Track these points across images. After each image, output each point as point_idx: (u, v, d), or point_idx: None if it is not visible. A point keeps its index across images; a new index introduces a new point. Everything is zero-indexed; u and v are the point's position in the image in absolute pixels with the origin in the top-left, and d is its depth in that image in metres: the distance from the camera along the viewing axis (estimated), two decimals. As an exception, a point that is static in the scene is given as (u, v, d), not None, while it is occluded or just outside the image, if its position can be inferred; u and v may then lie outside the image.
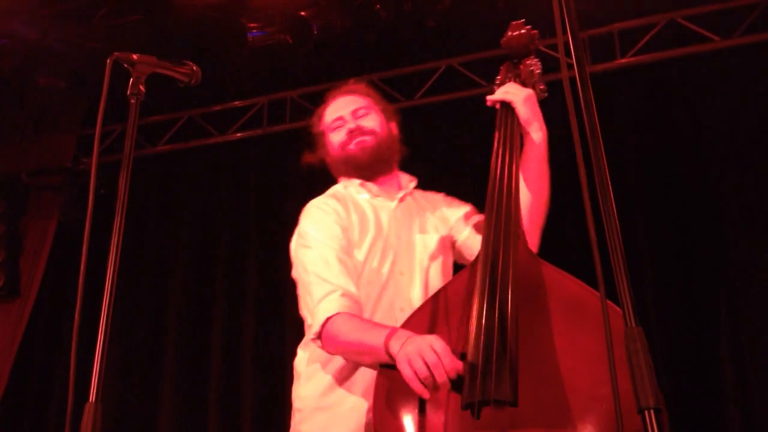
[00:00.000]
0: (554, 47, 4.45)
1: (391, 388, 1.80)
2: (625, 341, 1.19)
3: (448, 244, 2.38)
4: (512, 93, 2.20)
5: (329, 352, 2.11)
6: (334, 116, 2.42)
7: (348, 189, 2.38)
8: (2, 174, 5.40)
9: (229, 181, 5.30)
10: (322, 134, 2.47)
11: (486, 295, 1.76)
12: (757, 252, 4.01)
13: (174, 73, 1.97)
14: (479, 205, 2.34)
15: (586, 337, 1.68)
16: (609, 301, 1.67)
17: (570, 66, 1.36)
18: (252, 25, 4.81)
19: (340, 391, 2.15)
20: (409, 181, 2.47)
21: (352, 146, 2.35)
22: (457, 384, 1.68)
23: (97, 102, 1.74)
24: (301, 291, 2.20)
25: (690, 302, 4.03)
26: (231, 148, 5.36)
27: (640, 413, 1.17)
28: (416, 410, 1.73)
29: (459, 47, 4.87)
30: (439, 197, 2.52)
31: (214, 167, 5.35)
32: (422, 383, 1.68)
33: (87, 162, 5.36)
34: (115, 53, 1.70)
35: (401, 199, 2.39)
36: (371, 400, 1.88)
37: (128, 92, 1.73)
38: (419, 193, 2.49)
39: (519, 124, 2.18)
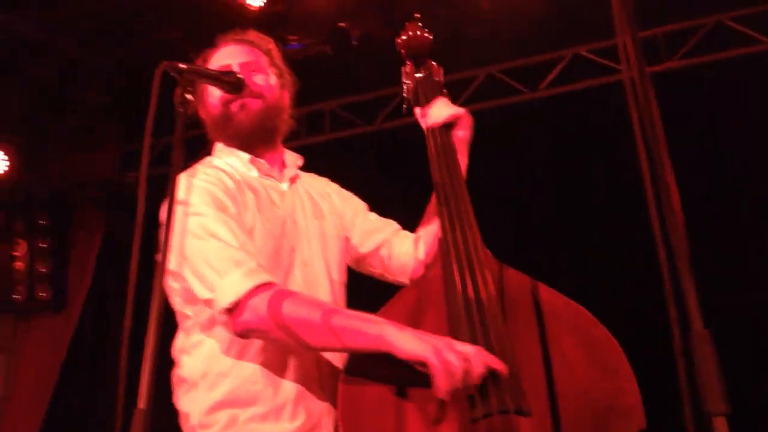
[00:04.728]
0: (600, 52, 4.41)
1: (360, 399, 1.53)
2: (694, 345, 1.14)
3: (344, 239, 2.15)
4: (464, 111, 2.07)
5: (242, 331, 1.72)
6: (221, 64, 2.07)
7: (232, 164, 2.05)
8: (49, 188, 5.48)
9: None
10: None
11: (472, 317, 1.58)
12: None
13: (220, 84, 1.97)
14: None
15: (567, 342, 1.63)
16: (579, 305, 1.66)
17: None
18: (291, 37, 4.84)
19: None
20: (295, 160, 2.19)
21: (235, 108, 2.02)
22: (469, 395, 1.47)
23: (139, 116, 1.72)
24: (190, 265, 1.78)
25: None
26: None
27: (708, 419, 1.12)
28: (396, 424, 1.50)
29: (499, 54, 4.84)
30: (331, 186, 2.28)
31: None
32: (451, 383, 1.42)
33: (132, 175, 5.42)
34: (164, 62, 1.70)
35: (292, 179, 2.13)
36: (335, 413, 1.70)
37: (176, 101, 1.72)
38: (305, 174, 2.22)
39: (453, 141, 2.03)
